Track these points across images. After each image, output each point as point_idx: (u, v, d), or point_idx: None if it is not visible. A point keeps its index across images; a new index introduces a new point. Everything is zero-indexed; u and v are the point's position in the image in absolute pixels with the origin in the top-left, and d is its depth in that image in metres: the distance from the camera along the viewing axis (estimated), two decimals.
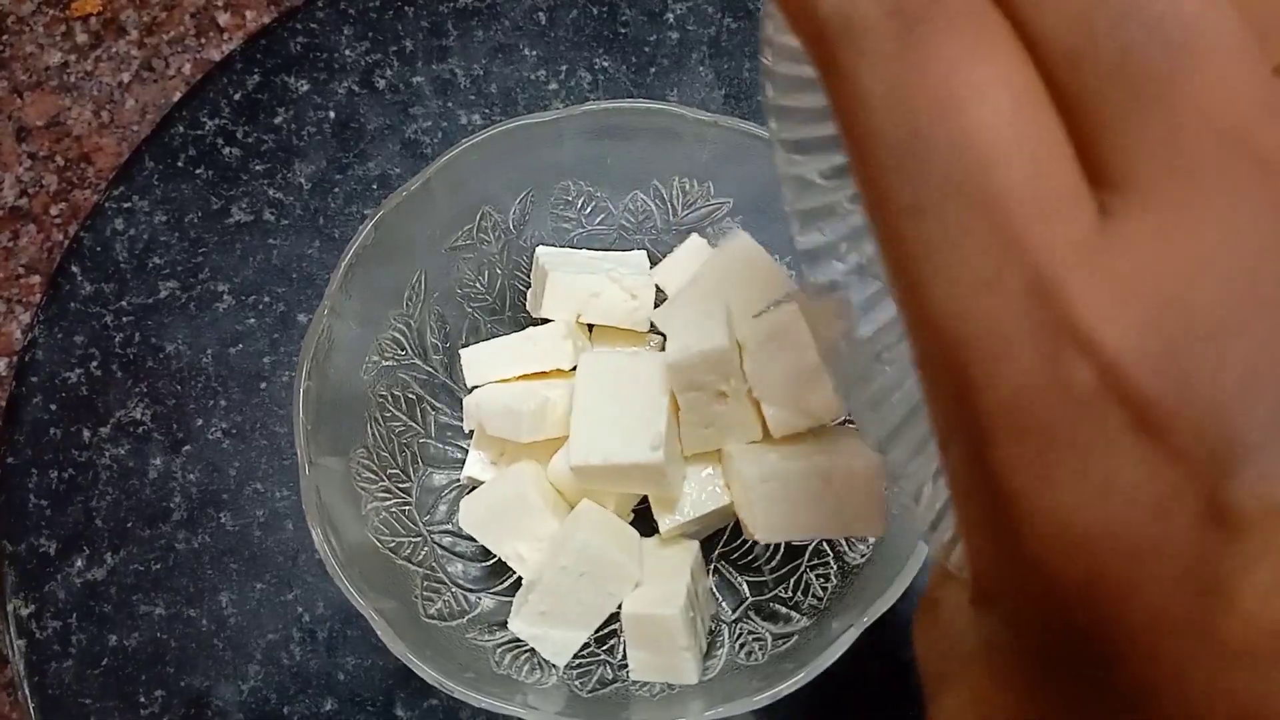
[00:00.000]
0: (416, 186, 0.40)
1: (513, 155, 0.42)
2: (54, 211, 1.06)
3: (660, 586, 0.40)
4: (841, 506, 0.37)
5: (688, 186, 0.45)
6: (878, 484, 0.36)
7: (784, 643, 0.40)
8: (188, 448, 0.51)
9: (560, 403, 0.41)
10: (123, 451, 0.51)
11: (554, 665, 0.41)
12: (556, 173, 0.45)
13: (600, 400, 0.39)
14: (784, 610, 0.42)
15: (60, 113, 1.08)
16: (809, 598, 0.42)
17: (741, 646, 0.41)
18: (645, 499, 0.42)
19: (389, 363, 0.43)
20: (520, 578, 0.41)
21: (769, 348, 0.38)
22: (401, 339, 0.44)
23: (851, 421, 0.42)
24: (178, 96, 0.59)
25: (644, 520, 0.43)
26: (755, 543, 0.43)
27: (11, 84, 1.09)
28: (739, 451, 0.38)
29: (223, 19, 1.11)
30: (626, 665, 0.41)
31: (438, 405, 0.46)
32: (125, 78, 1.10)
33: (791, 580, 0.43)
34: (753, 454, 0.38)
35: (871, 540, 0.41)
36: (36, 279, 1.03)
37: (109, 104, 1.08)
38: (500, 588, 0.44)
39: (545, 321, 0.43)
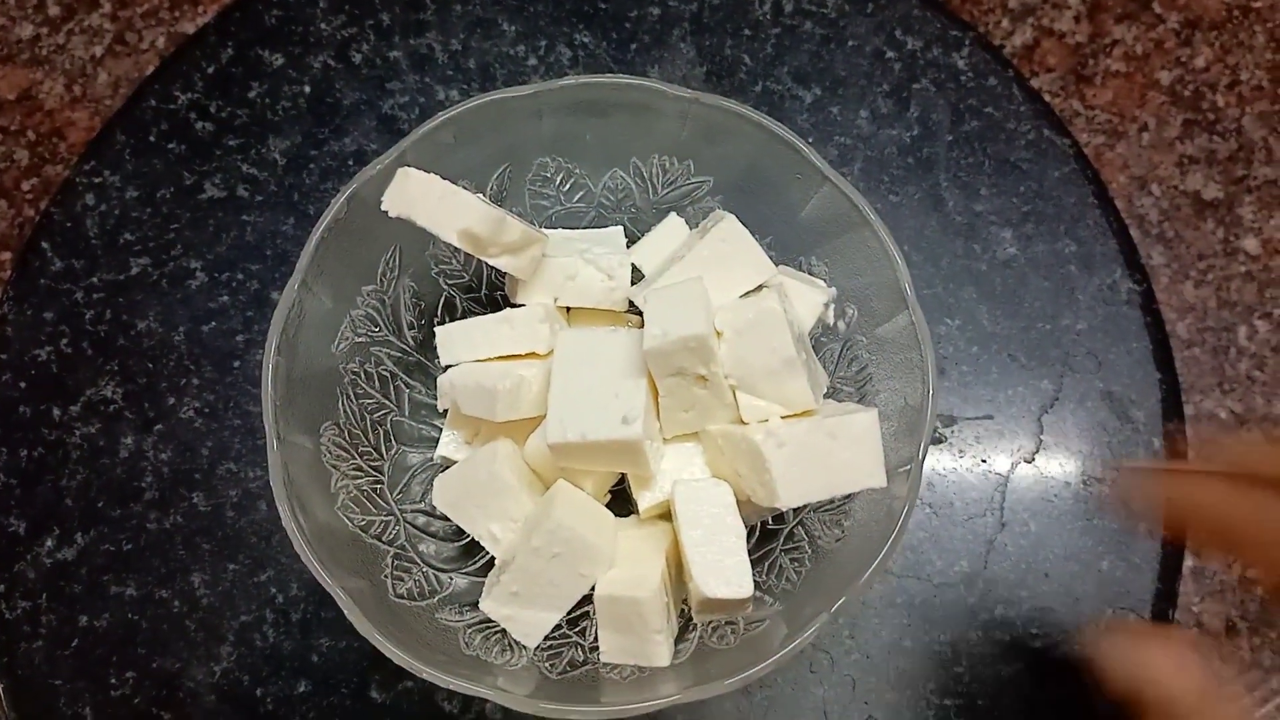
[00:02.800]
0: (390, 161, 0.39)
1: (489, 130, 0.42)
2: (25, 187, 1.04)
3: (634, 569, 0.40)
4: (847, 460, 0.37)
5: (667, 164, 0.45)
6: (875, 434, 0.37)
7: (756, 626, 0.40)
8: (159, 427, 0.51)
9: (536, 382, 0.40)
10: (93, 430, 0.51)
11: (524, 646, 0.40)
12: (535, 148, 0.44)
13: (577, 377, 0.38)
14: (756, 594, 0.42)
15: (32, 86, 1.06)
16: (782, 581, 0.41)
17: (714, 630, 0.41)
18: (623, 481, 0.42)
19: (362, 339, 0.43)
20: (493, 558, 0.41)
21: (746, 335, 0.38)
22: (375, 315, 0.43)
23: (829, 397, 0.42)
24: (151, 70, 0.58)
25: (620, 502, 0.42)
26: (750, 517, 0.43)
27: None
28: (737, 428, 0.38)
29: None
30: (597, 648, 0.40)
31: (412, 383, 0.45)
32: (98, 51, 1.08)
33: (766, 564, 0.42)
34: (756, 426, 0.38)
35: (845, 524, 0.41)
36: (7, 255, 1.02)
37: (81, 78, 1.07)
38: (473, 568, 0.43)
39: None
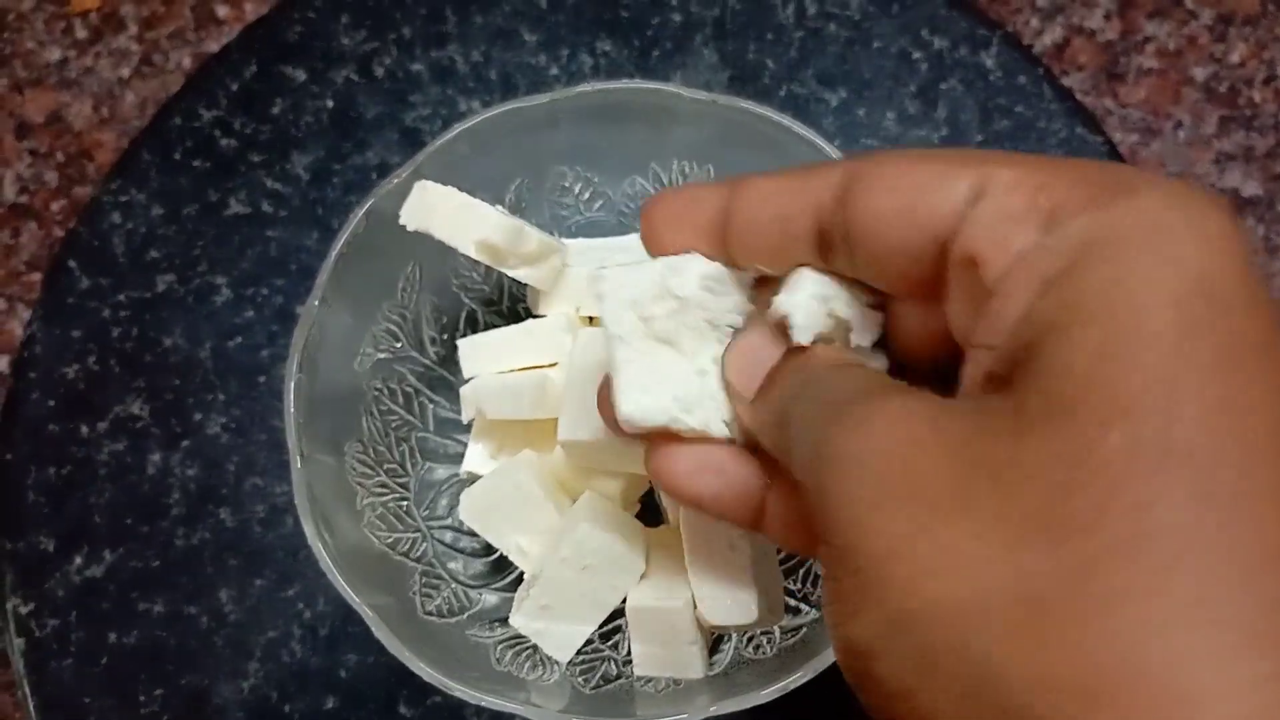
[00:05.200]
0: (407, 174, 0.39)
1: (507, 140, 0.41)
2: (54, 208, 1.06)
3: (666, 579, 0.39)
4: None
5: (687, 170, 0.44)
6: None
7: (792, 636, 0.39)
8: (186, 443, 0.51)
9: (560, 383, 0.40)
10: (121, 447, 0.51)
11: (557, 662, 0.40)
12: (553, 158, 0.44)
13: (592, 376, 0.38)
14: (793, 603, 0.41)
15: (60, 109, 1.08)
16: (818, 589, 0.41)
17: (749, 640, 0.40)
18: (652, 490, 0.42)
19: (384, 355, 0.43)
20: (523, 573, 0.41)
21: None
22: (397, 331, 0.43)
23: None
24: (177, 90, 0.59)
25: (650, 511, 0.42)
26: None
27: (12, 81, 1.09)
28: None
29: (222, 11, 1.11)
30: (631, 661, 0.40)
31: (436, 398, 0.45)
32: (125, 72, 1.09)
33: (800, 571, 0.42)
34: None
35: None
36: (37, 276, 1.03)
37: (109, 99, 1.08)
38: (502, 583, 0.43)
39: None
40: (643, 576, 0.39)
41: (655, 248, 0.26)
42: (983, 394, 0.19)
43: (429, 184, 0.37)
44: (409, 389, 0.44)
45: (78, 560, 0.49)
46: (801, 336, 0.23)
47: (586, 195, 0.46)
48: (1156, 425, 0.15)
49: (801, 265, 0.24)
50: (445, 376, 0.45)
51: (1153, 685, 0.14)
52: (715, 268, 0.25)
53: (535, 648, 0.40)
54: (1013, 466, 0.16)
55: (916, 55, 0.57)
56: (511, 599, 0.40)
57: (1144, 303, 0.16)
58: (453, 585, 0.42)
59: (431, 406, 0.45)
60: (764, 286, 0.26)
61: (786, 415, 0.22)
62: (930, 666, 0.16)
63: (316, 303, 0.38)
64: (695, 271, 0.25)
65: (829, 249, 0.23)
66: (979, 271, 0.19)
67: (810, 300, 0.23)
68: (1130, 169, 0.19)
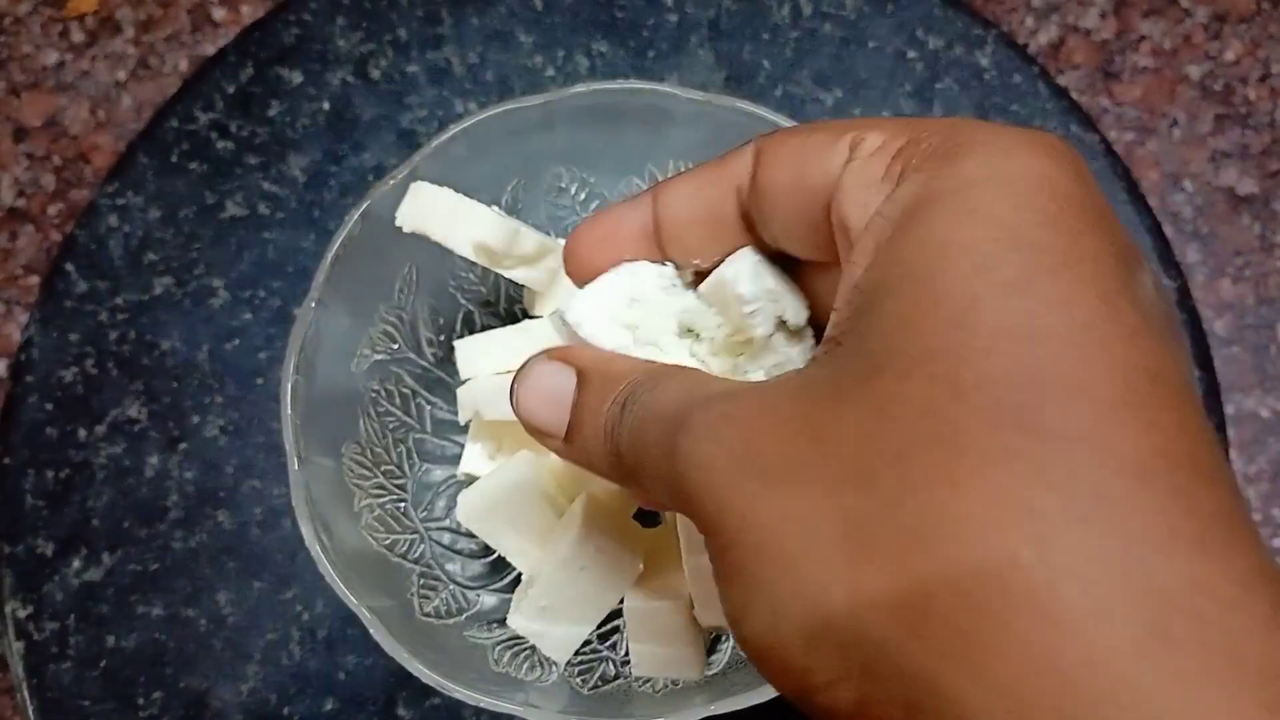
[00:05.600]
0: (403, 175, 0.39)
1: (503, 141, 0.41)
2: (51, 212, 1.05)
3: (663, 579, 0.39)
4: None
5: (683, 170, 0.44)
6: None
7: None
8: (184, 445, 0.51)
9: None
10: (119, 450, 0.51)
11: (555, 662, 0.40)
12: (549, 159, 0.44)
13: None
14: None
15: (57, 112, 1.07)
16: None
17: None
18: None
19: (381, 356, 0.43)
20: (520, 574, 0.41)
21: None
22: (394, 332, 0.43)
23: None
24: (173, 93, 0.59)
25: (647, 512, 0.42)
26: None
27: (8, 84, 1.09)
28: None
29: (218, 14, 1.11)
30: (629, 661, 0.40)
31: (433, 400, 0.45)
32: (121, 76, 1.09)
33: None
34: None
35: None
36: (35, 280, 1.03)
37: (105, 103, 1.08)
38: (500, 584, 0.43)
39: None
40: (640, 577, 0.39)
41: (580, 271, 0.26)
42: (818, 359, 0.20)
43: (425, 185, 0.37)
44: (406, 390, 0.44)
45: (76, 563, 0.49)
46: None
47: (583, 196, 0.46)
48: (947, 366, 0.16)
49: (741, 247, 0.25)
50: (442, 378, 0.45)
51: (972, 583, 0.15)
52: (664, 268, 0.26)
53: (533, 649, 0.40)
54: (832, 425, 0.17)
55: (911, 55, 0.57)
56: (509, 600, 0.40)
57: (939, 263, 0.17)
58: (451, 587, 0.42)
59: (429, 408, 0.45)
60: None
61: (617, 443, 0.22)
62: (777, 625, 0.17)
63: (313, 304, 0.38)
64: (649, 273, 0.26)
65: (752, 228, 0.24)
66: (848, 235, 0.20)
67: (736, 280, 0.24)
68: (986, 125, 0.19)
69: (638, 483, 0.22)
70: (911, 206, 0.18)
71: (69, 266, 0.54)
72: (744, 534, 0.18)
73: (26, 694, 0.47)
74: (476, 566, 0.43)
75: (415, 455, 0.44)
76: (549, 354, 0.26)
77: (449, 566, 0.43)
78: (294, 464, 0.37)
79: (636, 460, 0.22)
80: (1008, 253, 0.17)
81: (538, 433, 0.26)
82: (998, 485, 0.15)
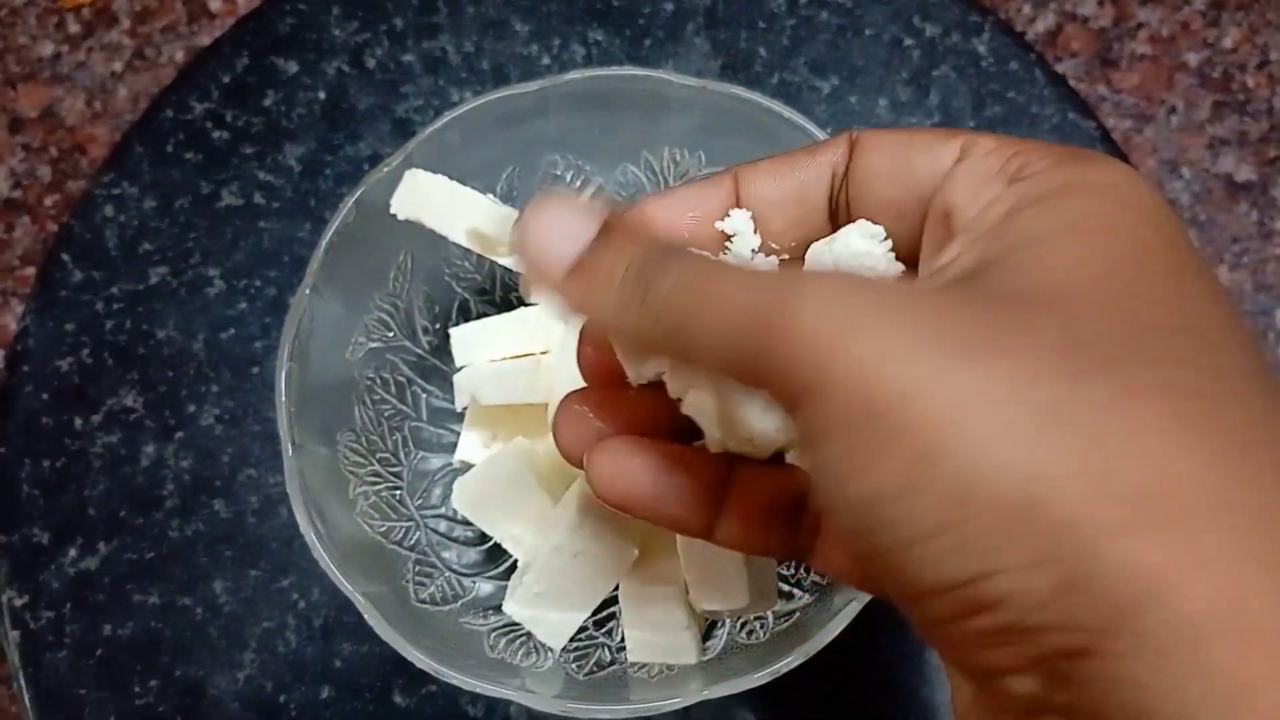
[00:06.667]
0: (398, 163, 0.39)
1: (498, 129, 0.41)
2: (48, 202, 1.06)
3: (659, 565, 0.39)
4: None
5: (678, 157, 0.44)
6: None
7: (785, 621, 0.39)
8: (180, 434, 0.51)
9: (553, 370, 0.40)
10: (115, 439, 0.51)
11: (550, 649, 0.40)
12: (544, 146, 0.44)
13: None
14: (786, 587, 0.41)
15: (53, 103, 1.08)
16: (811, 574, 0.41)
17: (743, 626, 0.41)
18: None
19: (376, 344, 0.43)
20: (516, 561, 0.41)
21: None
22: (389, 320, 0.43)
23: None
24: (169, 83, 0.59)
25: None
26: None
27: (5, 76, 1.09)
28: None
29: (214, 5, 1.11)
30: (624, 647, 0.40)
31: (429, 388, 0.45)
32: (117, 67, 1.09)
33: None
34: None
35: None
36: (31, 270, 1.03)
37: (101, 94, 1.08)
38: (496, 571, 0.43)
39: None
40: (635, 563, 0.39)
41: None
42: (952, 288, 0.21)
43: (419, 173, 0.37)
44: (401, 378, 0.44)
45: (72, 553, 0.49)
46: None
47: (578, 183, 0.46)
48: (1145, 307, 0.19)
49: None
50: (438, 365, 0.45)
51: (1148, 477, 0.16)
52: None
53: (529, 635, 0.40)
54: (1014, 332, 0.18)
55: (908, 42, 0.57)
56: (505, 587, 0.40)
57: (1098, 220, 0.20)
58: (446, 574, 0.42)
59: (424, 396, 0.45)
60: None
61: (655, 291, 0.21)
62: (964, 499, 0.17)
63: (307, 292, 0.38)
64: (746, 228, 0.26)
65: (833, 216, 0.25)
66: (951, 219, 0.22)
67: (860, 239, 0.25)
68: (1086, 150, 0.23)
69: (667, 341, 0.21)
70: (1042, 195, 0.21)
71: (65, 257, 0.54)
72: (913, 406, 0.17)
73: (23, 682, 0.47)
74: (472, 554, 0.43)
75: (411, 443, 0.44)
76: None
77: (445, 554, 0.43)
78: (289, 451, 0.37)
79: (685, 316, 0.20)
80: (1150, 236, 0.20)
81: (534, 261, 0.23)
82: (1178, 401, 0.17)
